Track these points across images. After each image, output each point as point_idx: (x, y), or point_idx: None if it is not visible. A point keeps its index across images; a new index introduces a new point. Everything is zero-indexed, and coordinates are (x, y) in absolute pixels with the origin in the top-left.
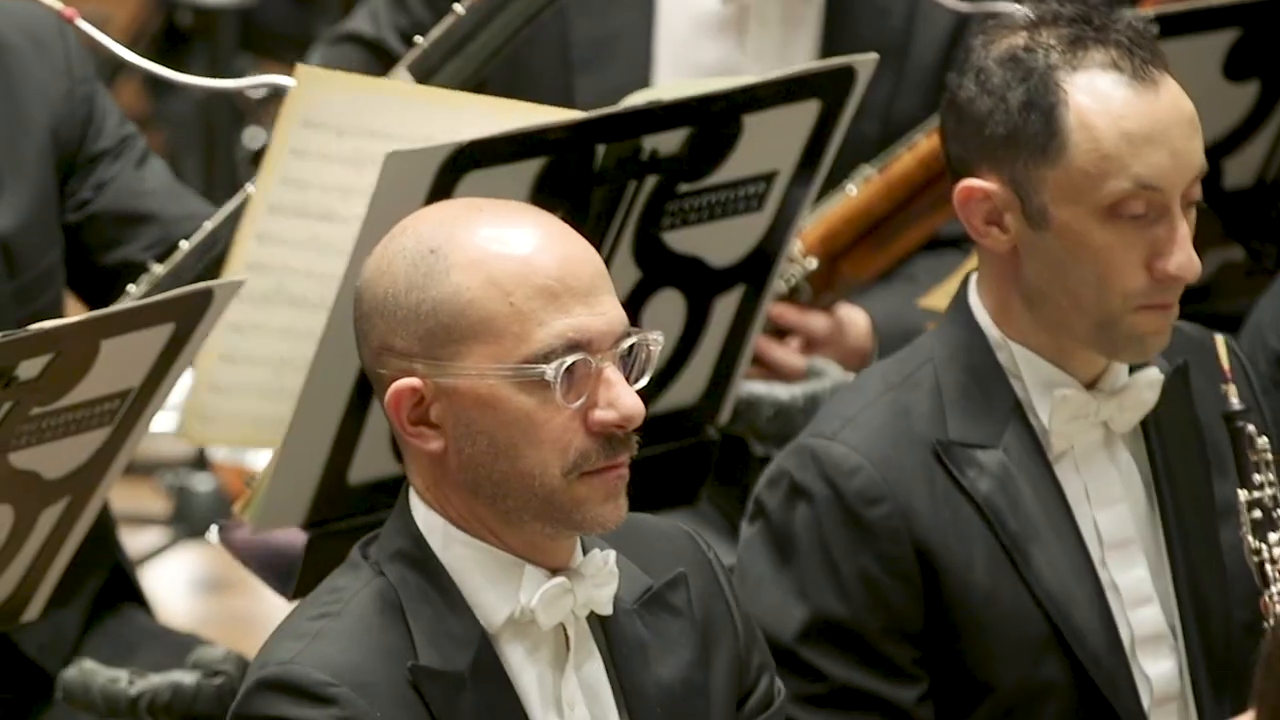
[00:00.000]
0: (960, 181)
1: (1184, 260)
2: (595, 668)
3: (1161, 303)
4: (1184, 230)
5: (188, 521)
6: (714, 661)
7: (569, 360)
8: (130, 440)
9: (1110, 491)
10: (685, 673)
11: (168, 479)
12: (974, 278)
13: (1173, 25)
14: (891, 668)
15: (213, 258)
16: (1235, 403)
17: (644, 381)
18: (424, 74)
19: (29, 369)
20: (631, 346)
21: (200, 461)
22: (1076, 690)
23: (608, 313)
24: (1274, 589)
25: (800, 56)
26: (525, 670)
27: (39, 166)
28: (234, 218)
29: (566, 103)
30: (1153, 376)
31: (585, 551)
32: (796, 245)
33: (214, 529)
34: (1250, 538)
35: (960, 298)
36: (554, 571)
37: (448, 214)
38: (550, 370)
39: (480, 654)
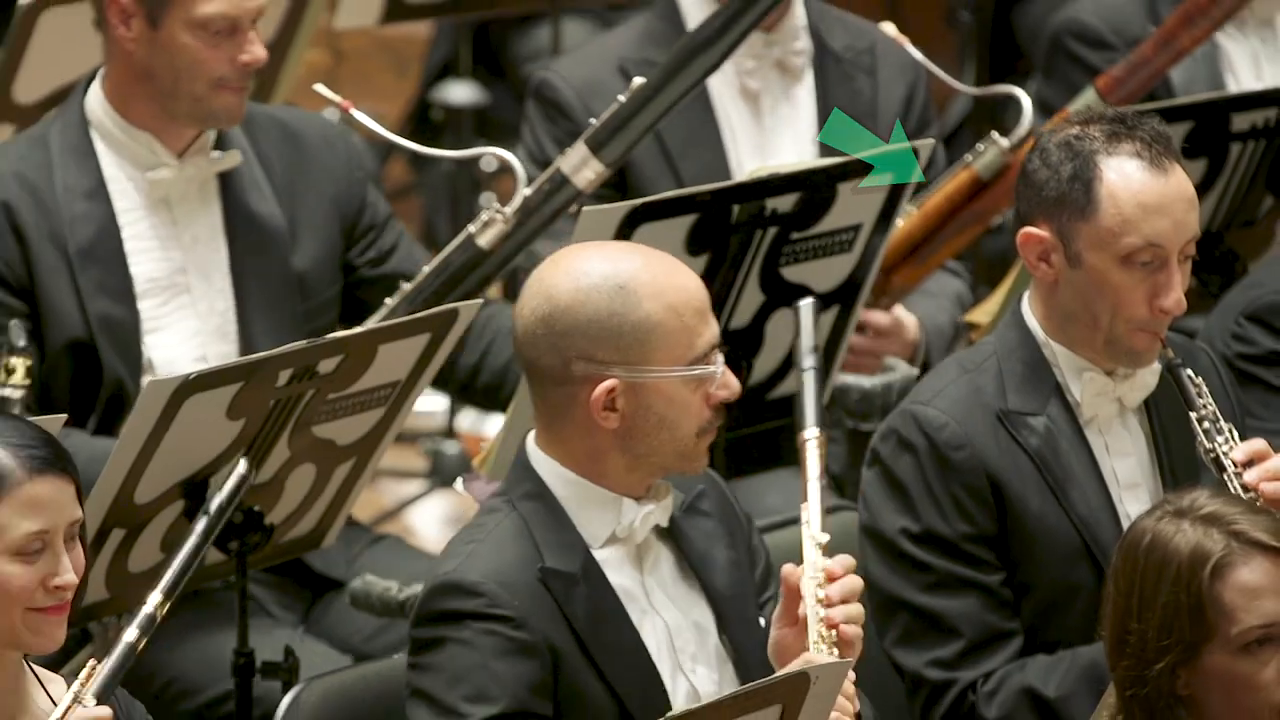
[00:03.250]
0: (1022, 228)
1: (1175, 300)
2: (666, 562)
3: (1154, 330)
4: (1178, 278)
5: (440, 475)
6: (738, 546)
7: (720, 357)
8: (399, 416)
9: (1124, 448)
10: (729, 554)
11: (426, 444)
12: (1026, 295)
13: None
14: (979, 561)
15: (443, 280)
16: (1171, 355)
17: None
18: (596, 146)
19: (327, 366)
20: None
21: (450, 431)
22: (1099, 591)
23: (715, 322)
24: (1229, 473)
25: (805, 123)
26: (616, 574)
27: (326, 227)
28: (452, 255)
29: (676, 180)
30: (1154, 367)
31: None
32: None
33: (460, 480)
34: (1205, 442)
35: (1016, 310)
36: (639, 499)
37: (612, 255)
38: (717, 368)
39: (586, 562)
